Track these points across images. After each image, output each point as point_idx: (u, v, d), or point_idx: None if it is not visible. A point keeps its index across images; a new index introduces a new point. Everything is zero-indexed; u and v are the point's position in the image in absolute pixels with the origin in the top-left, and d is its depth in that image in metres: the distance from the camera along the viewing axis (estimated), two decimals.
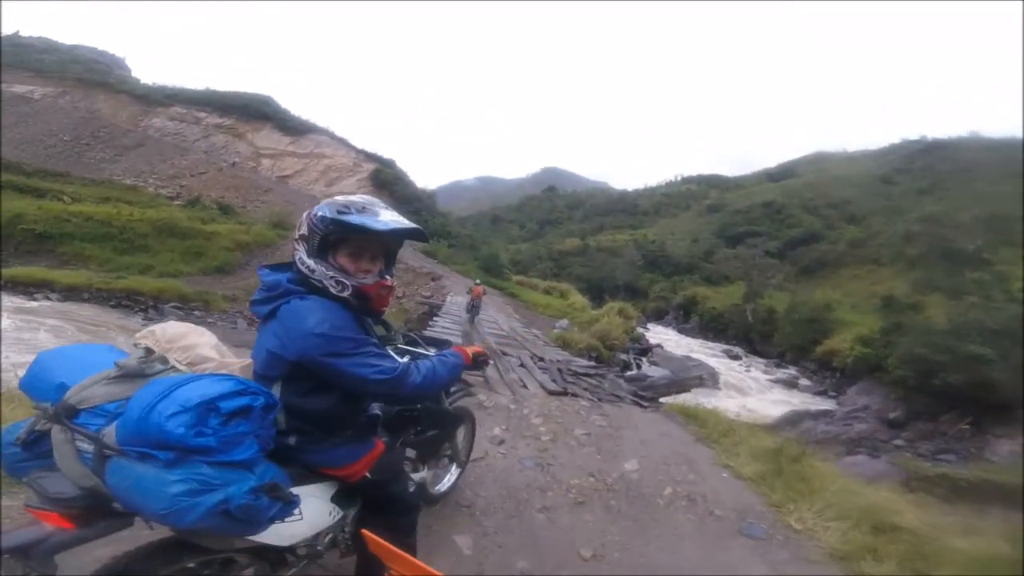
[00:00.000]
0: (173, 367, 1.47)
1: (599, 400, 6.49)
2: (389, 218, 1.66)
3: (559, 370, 8.16)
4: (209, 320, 19.52)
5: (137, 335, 1.58)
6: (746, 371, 25.02)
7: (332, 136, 48.65)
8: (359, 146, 48.46)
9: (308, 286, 1.67)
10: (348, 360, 1.57)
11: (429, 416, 2.54)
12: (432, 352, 2.49)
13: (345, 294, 1.66)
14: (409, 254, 29.01)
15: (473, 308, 14.32)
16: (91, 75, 48.57)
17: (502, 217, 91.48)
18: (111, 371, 1.41)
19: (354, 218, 1.63)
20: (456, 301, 17.85)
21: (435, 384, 1.79)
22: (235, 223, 29.46)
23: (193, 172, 38.59)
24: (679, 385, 10.23)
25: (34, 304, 16.34)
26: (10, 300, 15.86)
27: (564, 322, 21.35)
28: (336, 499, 1.86)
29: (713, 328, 35.56)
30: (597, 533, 3.25)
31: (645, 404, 6.63)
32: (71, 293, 18.37)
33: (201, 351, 1.53)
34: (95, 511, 1.34)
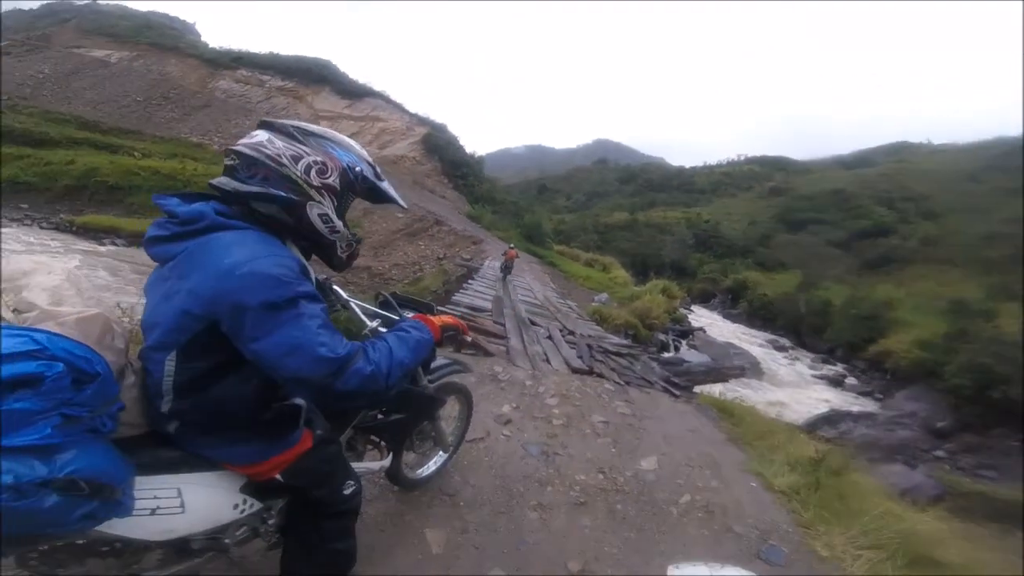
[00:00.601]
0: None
1: (626, 384, 5.96)
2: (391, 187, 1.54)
3: (588, 346, 7.62)
4: None
5: None
6: (791, 364, 23.79)
7: (387, 100, 48.82)
8: (412, 110, 48.31)
9: (251, 220, 1.29)
10: (281, 320, 1.14)
11: (397, 397, 2.04)
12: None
13: (346, 254, 1.48)
14: (454, 217, 28.79)
15: (506, 269, 15.16)
16: (163, 40, 50.96)
17: (549, 187, 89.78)
18: None
19: (386, 187, 1.53)
20: (493, 266, 17.51)
21: (378, 381, 1.28)
22: None
23: None
24: (717, 374, 9.54)
25: (101, 248, 17.87)
26: (82, 244, 17.64)
27: (603, 296, 20.65)
28: (249, 490, 1.50)
29: (761, 316, 33.86)
30: (592, 542, 2.79)
31: (677, 393, 6.04)
32: (135, 239, 19.37)
33: (29, 295, 1.22)
34: None
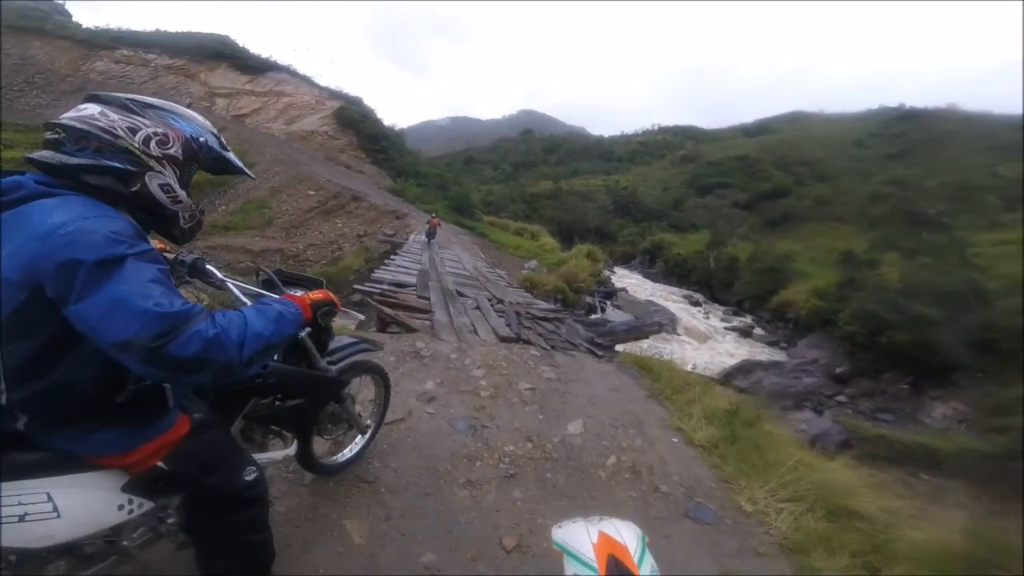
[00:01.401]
0: None
1: (553, 348, 5.93)
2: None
3: (517, 314, 7.54)
4: None
5: None
6: (705, 318, 25.18)
7: (294, 74, 45.35)
8: (323, 84, 45.31)
9: (79, 192, 1.16)
10: (106, 275, 1.01)
11: (287, 382, 1.83)
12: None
13: (189, 225, 1.40)
14: (373, 192, 27.60)
15: (430, 235, 16.71)
16: (24, 22, 44.04)
17: (476, 158, 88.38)
18: None
19: (232, 157, 1.49)
20: (419, 240, 16.98)
21: (244, 346, 1.14)
22: None
23: None
24: (638, 332, 9.78)
25: None
26: None
27: (533, 263, 20.71)
28: (134, 488, 1.36)
29: (676, 274, 35.61)
30: (526, 516, 2.70)
31: (600, 353, 6.11)
32: None
33: None
34: None
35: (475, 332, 6.00)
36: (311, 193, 25.15)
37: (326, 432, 2.42)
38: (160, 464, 1.33)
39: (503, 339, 5.87)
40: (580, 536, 0.97)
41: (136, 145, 1.21)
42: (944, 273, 19.36)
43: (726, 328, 23.76)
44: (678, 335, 20.67)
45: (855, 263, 24.55)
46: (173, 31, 49.23)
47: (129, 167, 1.20)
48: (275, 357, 1.81)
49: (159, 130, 1.26)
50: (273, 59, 46.78)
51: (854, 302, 18.55)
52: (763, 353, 20.44)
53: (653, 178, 65.74)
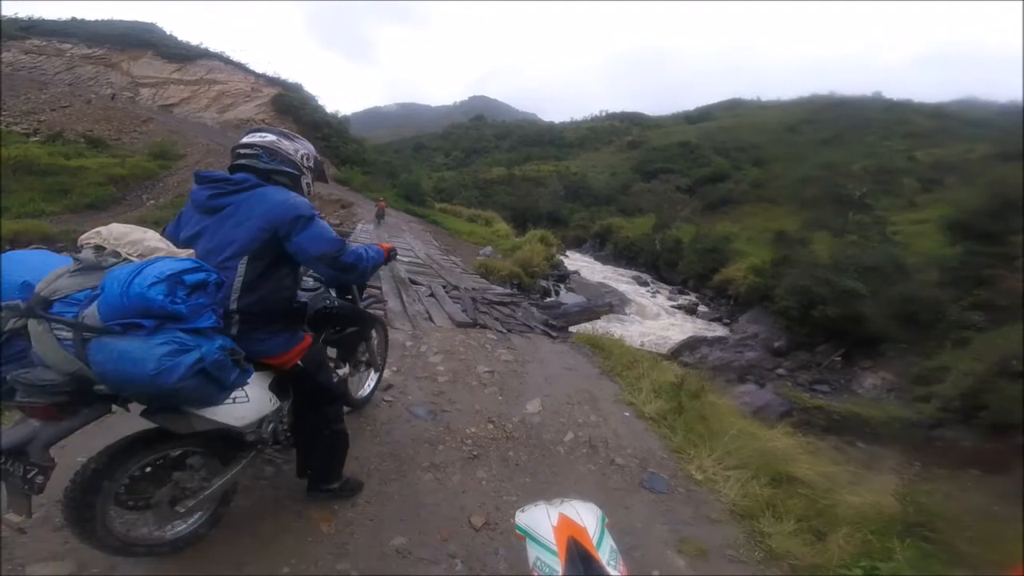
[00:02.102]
0: (126, 259, 1.47)
1: (509, 331, 6.00)
2: None
3: (472, 299, 7.55)
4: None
5: (82, 236, 1.60)
6: (652, 297, 25.97)
7: (227, 61, 43.14)
8: (260, 70, 43.15)
9: (270, 183, 1.92)
10: (312, 224, 1.83)
11: (346, 314, 2.71)
12: None
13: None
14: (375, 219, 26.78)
15: (379, 216, 18.68)
16: None
17: (426, 144, 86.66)
18: (70, 266, 1.46)
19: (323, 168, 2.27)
20: (367, 229, 16.59)
21: (362, 264, 2.02)
22: (107, 156, 26.33)
23: (54, 106, 33.55)
24: (591, 312, 10.05)
25: None
26: None
27: (488, 249, 20.68)
28: (272, 388, 1.95)
29: (625, 256, 36.49)
30: (491, 494, 2.76)
31: (555, 335, 6.23)
32: None
33: (149, 244, 1.53)
34: (78, 399, 1.41)
35: (430, 319, 5.97)
36: None
37: (358, 365, 3.09)
38: (299, 363, 1.97)
39: (459, 324, 5.88)
40: (541, 519, 0.98)
41: (298, 159, 2.03)
42: (868, 250, 20.71)
43: (673, 306, 24.57)
44: (628, 315, 21.29)
45: (788, 242, 25.85)
46: (92, 19, 45.61)
47: (295, 172, 2.02)
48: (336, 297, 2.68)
49: (305, 151, 2.08)
50: (204, 46, 44.24)
51: (788, 278, 19.23)
52: (708, 329, 21.28)
53: (602, 164, 66.76)
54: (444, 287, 8.37)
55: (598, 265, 33.66)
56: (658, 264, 32.24)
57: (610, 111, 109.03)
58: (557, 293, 18.87)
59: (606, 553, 0.93)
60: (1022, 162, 20.75)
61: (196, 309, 1.36)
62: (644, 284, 28.76)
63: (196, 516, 1.92)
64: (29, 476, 1.30)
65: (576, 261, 31.19)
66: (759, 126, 68.51)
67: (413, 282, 8.31)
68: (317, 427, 2.19)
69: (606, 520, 1.02)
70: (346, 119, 46.21)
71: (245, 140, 1.96)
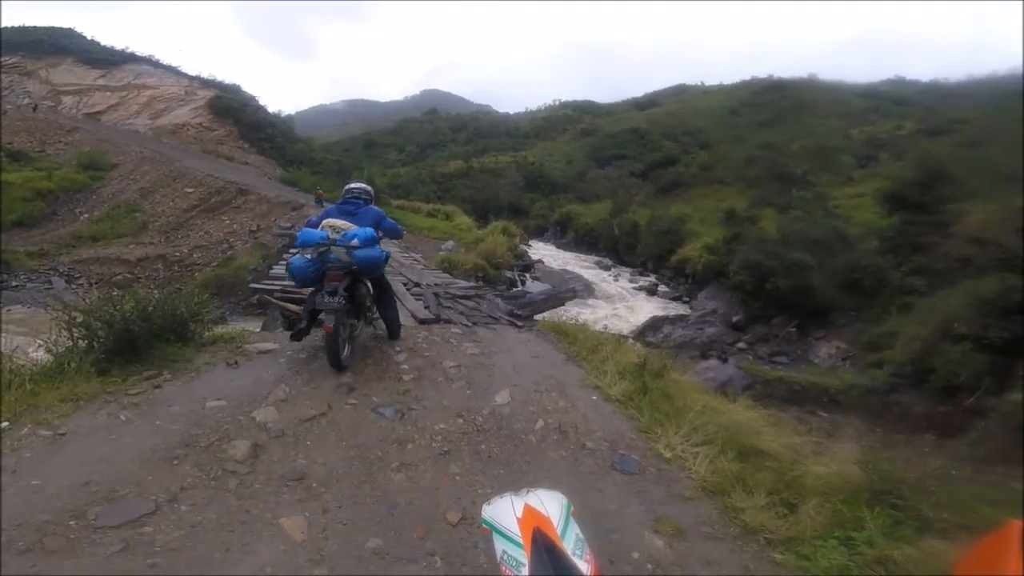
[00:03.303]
0: (345, 230, 4.06)
1: (474, 324, 5.98)
2: None
3: (435, 295, 7.48)
4: (14, 284, 16.25)
5: (324, 222, 4.19)
6: (615, 280, 26.44)
7: (156, 64, 40.59)
8: (193, 73, 40.93)
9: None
10: (386, 219, 4.61)
11: (378, 279, 4.65)
12: None
13: None
14: (263, 183, 25.79)
15: (318, 202, 21.27)
16: None
17: (378, 141, 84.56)
18: (332, 232, 4.04)
19: None
20: None
21: (399, 236, 5.02)
22: (31, 170, 24.29)
23: None
24: (555, 300, 10.10)
25: None
26: None
27: (450, 243, 20.52)
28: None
29: (586, 242, 36.90)
30: (465, 488, 2.76)
31: (520, 324, 6.25)
32: None
33: (349, 228, 4.07)
34: (347, 272, 3.97)
35: None
36: (189, 191, 22.85)
37: (364, 318, 4.62)
38: (382, 275, 4.61)
39: (422, 321, 5.82)
40: (506, 511, 0.97)
41: (372, 195, 4.71)
42: (812, 224, 21.74)
43: (634, 288, 25.08)
44: (593, 299, 21.62)
45: (738, 220, 26.78)
46: (2, 26, 42.03)
47: (370, 198, 4.63)
48: None
49: (370, 188, 4.75)
50: (130, 50, 41.51)
51: (740, 254, 19.81)
52: (668, 308, 21.88)
53: (558, 152, 67.00)
54: (405, 284, 8.26)
55: (561, 252, 33.94)
56: (618, 248, 32.76)
57: (563, 100, 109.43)
58: (523, 283, 18.93)
59: (571, 542, 0.92)
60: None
61: (376, 240, 4.16)
62: (606, 268, 29.24)
63: (360, 325, 4.51)
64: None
65: (539, 250, 31.37)
66: (704, 111, 70.23)
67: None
68: (389, 303, 4.88)
69: (572, 508, 1.01)
70: (291, 118, 44.67)
71: (355, 186, 4.60)
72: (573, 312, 11.49)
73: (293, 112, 51.08)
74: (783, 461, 3.12)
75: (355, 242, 3.85)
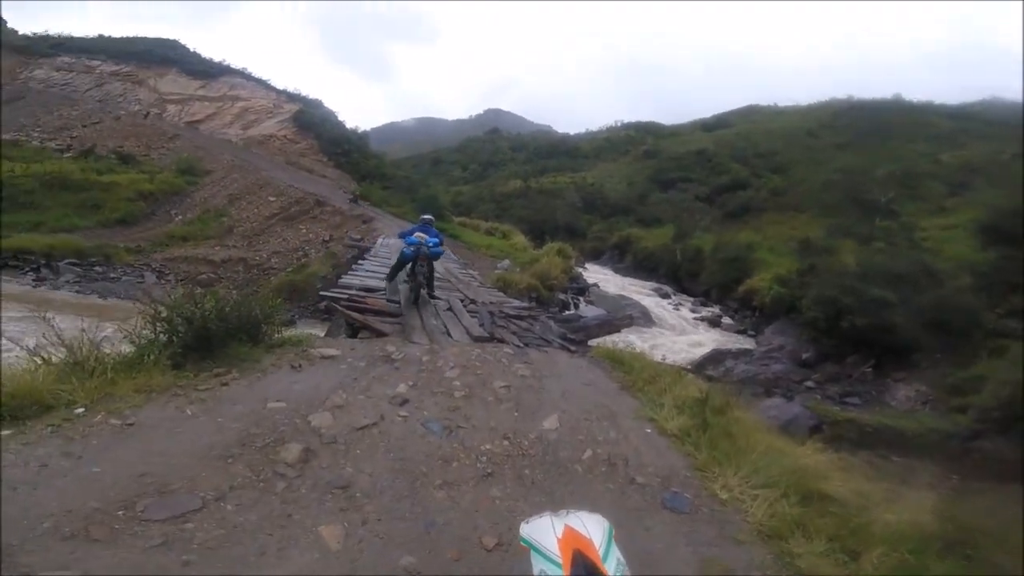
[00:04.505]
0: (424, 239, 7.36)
1: (526, 345, 5.94)
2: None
3: (490, 313, 7.51)
4: (112, 276, 17.84)
5: (416, 234, 7.41)
6: (675, 309, 25.51)
7: (248, 77, 43.82)
8: (280, 87, 44.03)
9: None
10: (442, 236, 8.26)
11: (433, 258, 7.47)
12: None
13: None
14: (337, 196, 27.16)
15: (352, 202, 24.85)
16: None
17: (443, 159, 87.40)
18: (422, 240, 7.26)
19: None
20: (387, 243, 16.71)
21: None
22: (137, 172, 26.84)
23: (85, 122, 34.40)
24: (610, 326, 9.89)
25: None
26: None
27: (506, 262, 20.72)
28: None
29: (645, 267, 35.94)
30: (505, 514, 2.69)
31: (573, 349, 6.14)
32: None
33: (424, 237, 7.31)
34: (433, 258, 7.58)
35: (447, 333, 5.95)
36: (272, 199, 24.49)
37: (430, 285, 7.51)
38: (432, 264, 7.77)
39: (476, 339, 5.84)
40: (546, 531, 0.96)
41: (433, 221, 8.01)
42: (897, 257, 20.07)
43: (695, 318, 24.09)
44: (650, 328, 20.98)
45: (813, 250, 25.24)
46: (117, 36, 46.84)
47: (434, 219, 8.16)
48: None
49: (433, 220, 8.08)
50: (226, 63, 45.13)
51: (815, 288, 18.67)
52: (732, 342, 20.79)
53: (618, 174, 66.25)
54: (462, 301, 8.37)
55: (617, 277, 33.27)
56: (679, 275, 31.72)
57: (625, 121, 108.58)
58: (576, 306, 18.71)
59: (612, 566, 0.90)
60: None
61: (440, 244, 7.59)
62: (665, 296, 28.29)
63: (425, 291, 7.26)
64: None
65: (595, 273, 30.96)
66: (776, 132, 67.03)
67: (432, 296, 8.33)
68: (431, 275, 7.44)
69: (613, 532, 0.98)
70: (366, 134, 46.97)
71: (427, 217, 7.81)
72: (628, 340, 11.18)
73: (368, 128, 53.48)
74: (850, 507, 2.91)
75: (432, 244, 7.24)
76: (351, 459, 2.94)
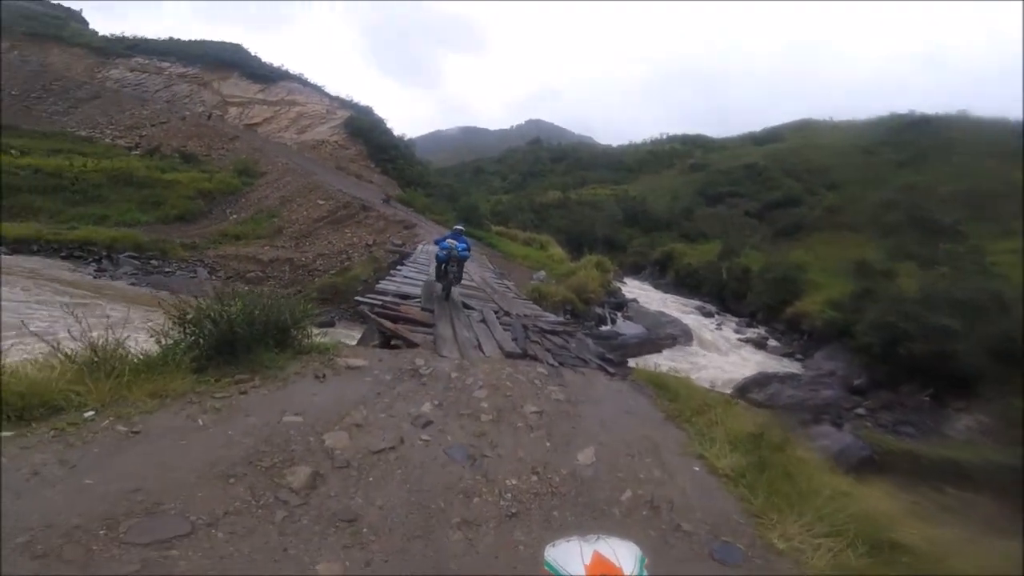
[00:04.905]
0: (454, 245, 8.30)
1: (561, 364, 5.57)
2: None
3: (524, 327, 7.19)
4: (167, 270, 18.54)
5: (448, 240, 8.25)
6: (718, 329, 24.46)
7: (305, 83, 45.23)
8: (334, 93, 45.34)
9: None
10: (471, 245, 9.44)
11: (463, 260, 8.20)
12: None
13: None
14: (382, 202, 27.53)
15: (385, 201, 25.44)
16: (43, 29, 44.38)
17: (484, 168, 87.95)
18: (451, 246, 8.08)
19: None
20: (427, 250, 16.66)
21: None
22: (197, 171, 27.95)
23: (154, 122, 36.22)
24: (651, 345, 9.42)
25: None
26: None
27: (541, 273, 20.41)
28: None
29: (688, 284, 34.69)
30: (528, 561, 2.34)
31: (612, 370, 5.72)
32: (19, 246, 17.59)
33: (455, 243, 8.17)
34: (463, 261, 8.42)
35: (479, 348, 5.64)
36: (321, 203, 25.05)
37: (459, 279, 8.43)
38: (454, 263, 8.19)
39: (508, 355, 5.51)
40: (573, 556, 0.88)
41: (464, 231, 9.02)
42: (962, 282, 18.63)
43: (740, 339, 23.02)
44: (691, 347, 20.12)
45: (870, 273, 23.71)
46: (187, 39, 49.00)
47: (464, 230, 9.03)
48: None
49: (463, 230, 9.00)
50: (285, 67, 46.70)
51: (871, 313, 17.68)
52: (778, 365, 19.79)
53: (662, 187, 64.75)
54: (496, 313, 8.08)
55: (658, 293, 32.24)
56: (724, 294, 30.45)
57: (671, 133, 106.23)
58: (613, 321, 18.20)
59: None
60: None
61: (468, 249, 8.34)
62: (709, 315, 27.16)
63: (455, 288, 8.21)
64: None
65: (634, 289, 30.13)
66: (832, 147, 63.62)
67: (466, 306, 8.07)
68: (460, 272, 8.21)
69: (645, 561, 0.91)
70: (412, 142, 47.74)
71: (459, 227, 8.78)
72: (671, 361, 10.62)
73: (414, 136, 54.51)
74: (922, 557, 2.55)
75: (461, 249, 8.04)
76: (363, 487, 2.65)
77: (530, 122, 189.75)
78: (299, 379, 3.98)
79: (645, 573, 0.89)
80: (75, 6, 54.91)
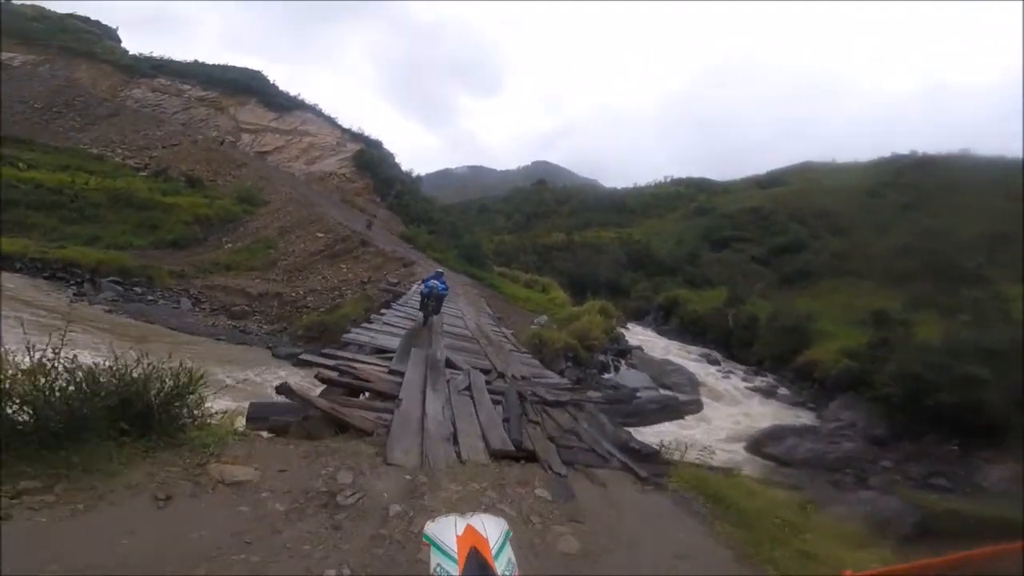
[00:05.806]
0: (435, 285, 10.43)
1: (570, 466, 3.88)
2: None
3: (520, 397, 5.50)
4: (150, 298, 17.15)
5: (431, 282, 10.42)
6: (725, 378, 22.79)
7: (318, 113, 44.82)
8: (346, 125, 44.89)
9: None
10: (448, 285, 11.33)
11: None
12: None
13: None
14: (382, 237, 26.23)
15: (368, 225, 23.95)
16: (77, 44, 44.37)
17: (490, 207, 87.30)
18: (431, 285, 10.27)
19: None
20: (419, 289, 15.15)
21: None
22: (199, 196, 26.64)
23: (166, 144, 35.38)
24: (672, 412, 7.73)
25: None
26: None
27: (543, 318, 18.94)
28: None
29: (692, 331, 33.05)
30: None
31: (643, 474, 4.01)
32: (4, 263, 16.36)
33: (436, 283, 10.35)
34: (432, 301, 10.24)
35: (453, 440, 3.92)
36: (320, 235, 23.73)
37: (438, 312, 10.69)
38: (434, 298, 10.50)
39: (495, 455, 3.81)
40: (447, 529, 0.94)
41: (443, 274, 11.76)
42: (987, 330, 17.29)
43: (748, 388, 21.41)
44: (699, 395, 18.36)
45: (887, 322, 22.20)
46: (211, 63, 48.60)
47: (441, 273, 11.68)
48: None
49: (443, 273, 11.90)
50: (301, 97, 46.27)
51: (892, 363, 16.77)
52: (789, 415, 18.23)
53: (666, 231, 63.28)
54: (487, 374, 6.42)
55: (662, 340, 30.47)
56: (730, 342, 28.93)
57: (675, 176, 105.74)
58: (617, 369, 16.83)
59: (503, 564, 0.90)
60: None
61: (446, 288, 10.96)
62: (715, 363, 25.43)
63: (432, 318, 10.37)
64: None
65: (637, 334, 28.44)
66: (835, 190, 61.43)
67: (451, 364, 6.42)
68: (439, 305, 10.59)
69: (511, 534, 0.96)
70: (419, 178, 46.99)
71: (439, 271, 11.63)
72: (689, 431, 8.87)
73: (423, 173, 54.05)
74: None
75: (440, 288, 9.84)
76: None
77: (536, 163, 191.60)
78: (128, 497, 2.35)
79: (508, 543, 0.93)
80: (114, 24, 55.47)
